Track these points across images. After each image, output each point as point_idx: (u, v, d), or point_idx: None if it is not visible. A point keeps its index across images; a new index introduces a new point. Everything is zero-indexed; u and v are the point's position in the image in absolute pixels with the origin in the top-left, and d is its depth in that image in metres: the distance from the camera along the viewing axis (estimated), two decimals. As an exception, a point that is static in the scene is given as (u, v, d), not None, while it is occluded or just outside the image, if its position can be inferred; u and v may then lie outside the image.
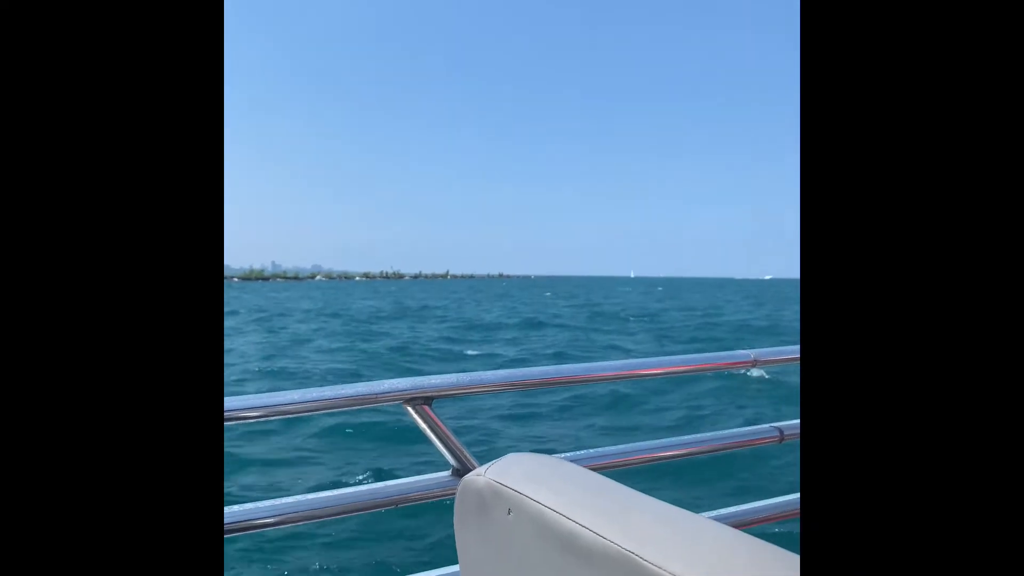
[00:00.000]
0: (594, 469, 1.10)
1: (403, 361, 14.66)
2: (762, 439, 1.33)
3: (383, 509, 1.05)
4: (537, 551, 0.55)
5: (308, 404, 0.99)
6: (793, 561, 0.43)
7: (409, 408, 1.06)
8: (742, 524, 1.24)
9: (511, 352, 16.77)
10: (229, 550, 3.96)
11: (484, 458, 0.76)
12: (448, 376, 1.09)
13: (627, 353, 16.66)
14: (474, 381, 1.10)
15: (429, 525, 4.42)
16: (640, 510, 0.52)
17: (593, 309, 38.54)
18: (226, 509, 0.92)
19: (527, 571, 0.57)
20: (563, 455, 1.13)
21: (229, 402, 0.93)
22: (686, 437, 1.29)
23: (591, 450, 1.20)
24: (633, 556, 0.46)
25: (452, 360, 15.31)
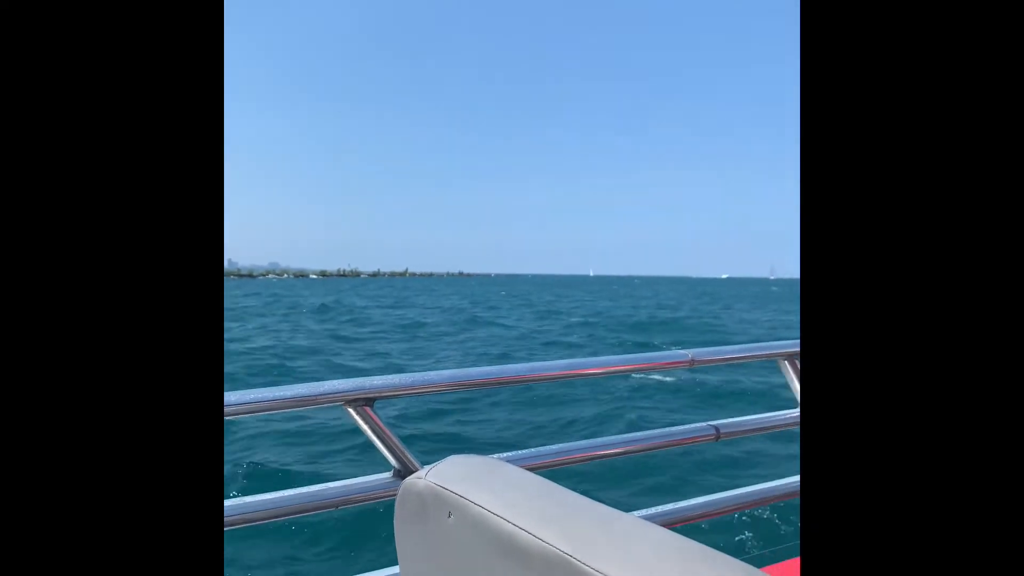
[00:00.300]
0: (534, 469, 1.12)
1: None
2: (699, 437, 1.38)
3: (324, 511, 1.03)
4: (477, 554, 0.56)
5: (246, 406, 0.97)
6: (723, 560, 0.45)
7: (350, 410, 1.05)
8: (675, 522, 1.28)
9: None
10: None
11: (426, 459, 0.77)
12: (391, 377, 1.08)
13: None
14: (417, 382, 1.10)
15: (371, 526, 4.37)
16: (578, 512, 0.53)
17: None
18: None
19: (467, 574, 0.58)
20: (503, 455, 1.14)
21: None
22: (624, 436, 1.32)
23: (531, 450, 1.22)
24: (570, 559, 0.47)
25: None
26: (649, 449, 1.32)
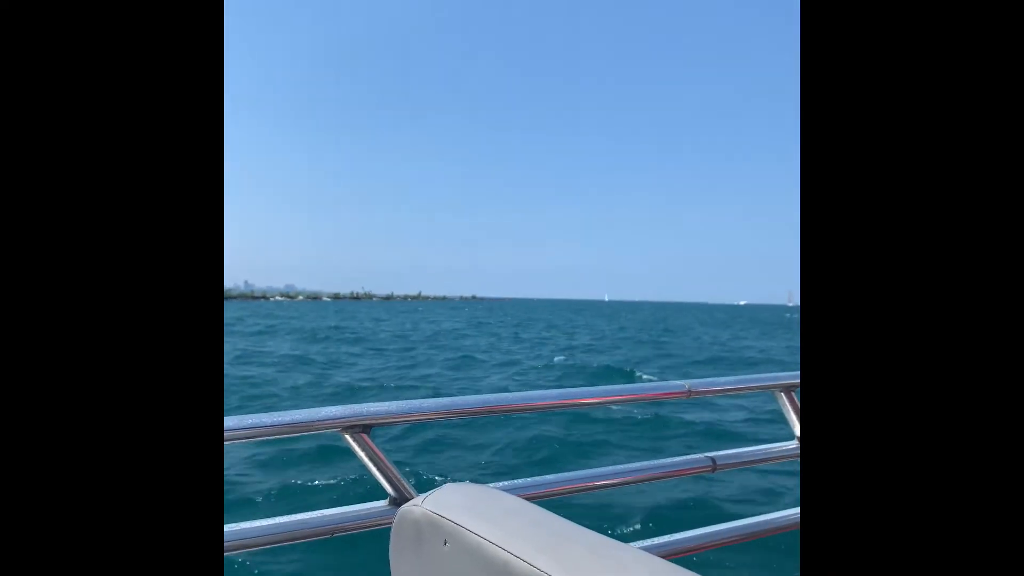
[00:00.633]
0: (531, 498, 1.11)
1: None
2: (695, 469, 1.37)
3: (319, 538, 1.03)
4: None
5: (244, 431, 0.98)
6: None
7: (347, 436, 1.05)
8: (673, 554, 1.27)
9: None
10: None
11: (423, 487, 0.77)
12: (387, 404, 1.09)
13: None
14: (413, 409, 1.11)
15: (366, 554, 4.30)
16: (574, 541, 0.53)
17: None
18: None
19: None
20: (500, 484, 1.14)
21: None
22: (621, 467, 1.32)
23: (527, 479, 1.21)
24: None
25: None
26: (645, 480, 1.32)
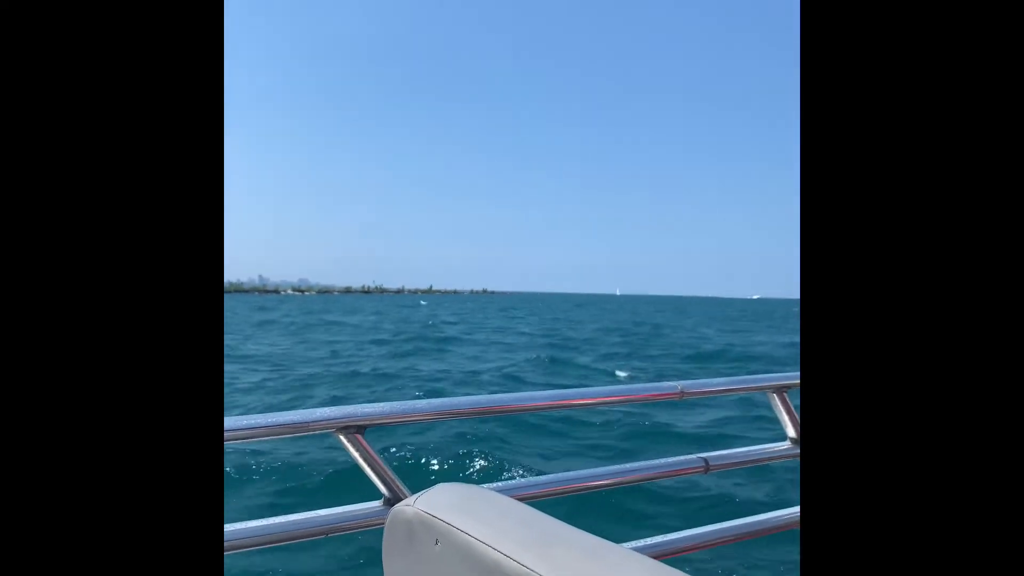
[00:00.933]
0: (523, 499, 1.12)
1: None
2: (688, 469, 1.38)
3: (313, 538, 1.03)
4: None
5: (238, 432, 0.98)
6: None
7: (341, 437, 1.06)
8: (666, 554, 1.28)
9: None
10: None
11: (417, 487, 0.77)
12: (381, 405, 1.10)
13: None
14: (407, 410, 1.12)
15: (360, 554, 4.30)
16: (565, 541, 0.54)
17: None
18: None
19: None
20: (493, 485, 1.15)
21: None
22: (613, 467, 1.33)
23: (520, 480, 1.23)
24: None
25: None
26: (638, 481, 1.33)
